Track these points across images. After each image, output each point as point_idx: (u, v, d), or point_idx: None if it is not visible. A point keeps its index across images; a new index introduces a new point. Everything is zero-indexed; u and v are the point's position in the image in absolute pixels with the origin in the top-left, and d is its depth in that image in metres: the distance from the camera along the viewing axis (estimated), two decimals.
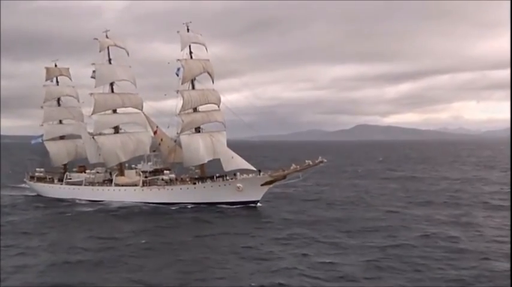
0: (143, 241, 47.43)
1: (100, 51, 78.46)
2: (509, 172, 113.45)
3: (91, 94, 77.44)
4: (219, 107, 76.63)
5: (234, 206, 68.11)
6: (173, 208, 68.53)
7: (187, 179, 73.08)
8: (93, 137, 78.19)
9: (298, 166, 69.28)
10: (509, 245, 42.60)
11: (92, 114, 77.16)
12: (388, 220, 56.51)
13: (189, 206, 69.30)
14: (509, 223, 51.44)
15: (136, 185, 74.51)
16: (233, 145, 76.68)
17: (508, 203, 66.66)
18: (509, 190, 74.76)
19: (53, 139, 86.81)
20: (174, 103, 73.32)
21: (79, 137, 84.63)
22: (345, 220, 57.16)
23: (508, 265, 36.72)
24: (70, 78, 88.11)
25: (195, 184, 71.40)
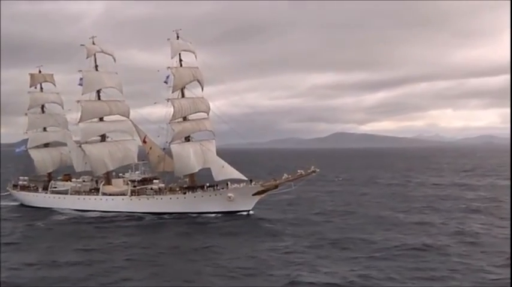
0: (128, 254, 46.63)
1: (87, 58, 77.04)
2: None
3: (78, 101, 75.88)
4: (208, 115, 75.74)
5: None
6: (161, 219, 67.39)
7: (177, 189, 72.06)
8: (80, 146, 76.53)
9: (290, 176, 68.72)
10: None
11: (79, 122, 75.56)
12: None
13: (178, 216, 68.06)
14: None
15: (124, 195, 73.23)
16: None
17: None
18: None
19: (37, 147, 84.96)
20: (157, 110, 72.37)
21: (64, 144, 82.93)
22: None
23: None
24: (54, 85, 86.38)
25: (185, 193, 70.37)
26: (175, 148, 72.18)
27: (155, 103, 73.22)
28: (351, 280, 35.97)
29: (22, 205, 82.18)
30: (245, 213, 68.69)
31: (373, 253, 44.12)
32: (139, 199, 71.89)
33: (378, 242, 48.36)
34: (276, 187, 69.33)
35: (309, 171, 68.41)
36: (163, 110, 72.88)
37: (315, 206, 75.10)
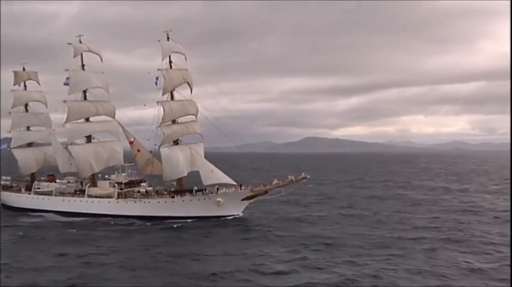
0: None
1: (74, 57, 75.61)
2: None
3: (64, 101, 74.37)
4: (196, 117, 74.92)
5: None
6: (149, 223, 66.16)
7: (165, 192, 71.16)
8: (66, 147, 75.08)
9: (280, 182, 68.35)
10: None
11: (65, 122, 74.09)
12: None
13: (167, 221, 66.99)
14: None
15: (110, 197, 72.00)
16: None
17: None
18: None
19: (20, 147, 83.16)
20: (137, 113, 71.31)
21: (47, 144, 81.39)
22: None
23: None
24: (38, 83, 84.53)
25: (173, 197, 69.49)
26: (164, 151, 71.25)
27: (145, 105, 71.93)
28: None
29: (3, 205, 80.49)
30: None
31: None
32: (126, 202, 70.77)
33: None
34: (266, 192, 68.84)
35: (299, 177, 68.16)
36: (149, 112, 72.20)
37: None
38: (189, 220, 66.61)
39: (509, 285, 33.35)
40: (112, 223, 66.47)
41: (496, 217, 68.42)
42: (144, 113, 75.34)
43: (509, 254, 40.46)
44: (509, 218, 63.82)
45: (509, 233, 48.41)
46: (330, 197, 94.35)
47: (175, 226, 63.90)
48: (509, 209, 68.49)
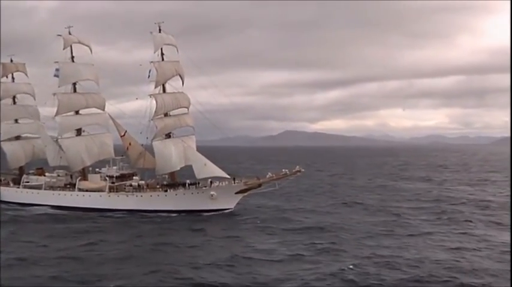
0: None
1: (64, 49, 74.43)
2: None
3: (54, 94, 73.08)
4: (188, 110, 74.27)
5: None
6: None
7: (157, 186, 70.51)
8: (56, 140, 74.00)
9: (274, 175, 68.02)
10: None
11: (55, 115, 72.93)
12: None
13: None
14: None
15: (102, 191, 71.14)
16: None
17: None
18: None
19: (9, 140, 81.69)
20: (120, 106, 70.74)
21: (36, 137, 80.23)
22: None
23: None
24: (26, 75, 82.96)
25: (166, 191, 68.85)
26: (157, 145, 70.43)
27: (136, 99, 71.04)
28: None
29: None
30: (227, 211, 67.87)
31: None
32: (118, 196, 69.99)
33: None
34: (260, 185, 68.42)
35: (293, 171, 67.92)
36: (140, 105, 71.42)
37: None
38: (183, 214, 66.27)
39: (509, 285, 33.37)
40: (102, 216, 65.77)
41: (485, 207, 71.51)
42: (123, 106, 74.55)
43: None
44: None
45: (509, 234, 48.37)
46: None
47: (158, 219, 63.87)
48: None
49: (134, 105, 75.21)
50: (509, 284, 33.56)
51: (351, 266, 38.97)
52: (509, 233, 48.06)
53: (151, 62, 70.25)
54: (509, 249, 43.52)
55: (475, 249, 45.69)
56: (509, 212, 61.32)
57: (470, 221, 59.81)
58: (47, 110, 76.44)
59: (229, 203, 68.34)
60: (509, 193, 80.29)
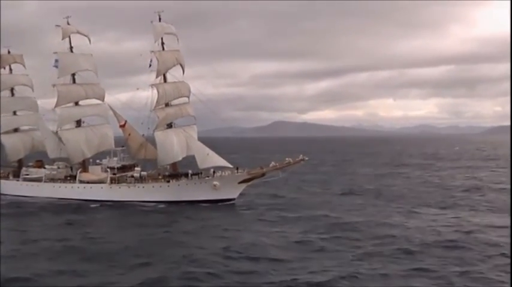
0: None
1: (62, 39, 73.56)
2: None
3: (54, 85, 72.24)
4: (189, 99, 73.65)
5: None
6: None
7: (158, 176, 69.90)
8: (56, 132, 73.21)
9: (277, 164, 67.45)
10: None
11: (55, 107, 72.15)
12: None
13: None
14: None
15: (103, 182, 70.49)
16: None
17: None
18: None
19: (7, 132, 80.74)
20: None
21: (35, 129, 79.45)
22: None
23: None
24: (24, 66, 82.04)
25: (168, 181, 68.25)
26: (159, 135, 69.71)
27: (138, 89, 70.21)
28: None
29: None
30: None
31: None
32: (120, 187, 69.37)
33: None
34: (263, 175, 67.84)
35: (297, 159, 67.44)
36: (140, 96, 70.78)
37: None
38: (183, 204, 65.73)
39: (509, 285, 33.10)
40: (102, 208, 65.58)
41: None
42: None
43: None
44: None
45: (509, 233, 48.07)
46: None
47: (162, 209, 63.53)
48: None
49: (127, 97, 74.74)
50: (509, 285, 33.21)
51: None
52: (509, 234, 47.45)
53: (152, 51, 69.55)
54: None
55: None
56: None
57: None
58: (44, 101, 75.57)
59: (233, 193, 67.61)
60: None
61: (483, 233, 46.63)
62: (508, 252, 39.18)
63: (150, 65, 69.47)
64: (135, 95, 70.60)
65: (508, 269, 34.87)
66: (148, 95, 69.70)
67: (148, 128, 70.19)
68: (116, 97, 76.97)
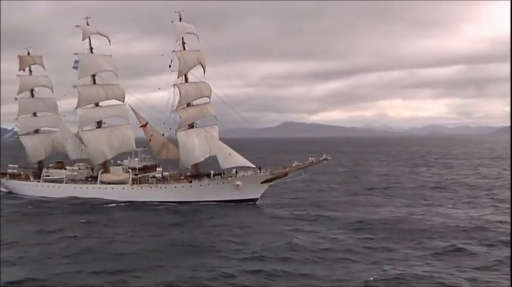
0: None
1: (83, 40, 73.51)
2: None
3: (74, 86, 72.15)
4: (210, 99, 73.33)
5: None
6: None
7: (180, 177, 69.55)
8: (78, 133, 73.09)
9: (300, 163, 66.98)
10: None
11: (76, 107, 72.05)
12: None
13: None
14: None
15: (124, 183, 70.23)
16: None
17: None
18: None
19: (28, 134, 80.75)
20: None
21: (55, 130, 79.47)
22: None
23: None
24: (44, 67, 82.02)
25: (190, 182, 67.90)
26: (181, 136, 69.35)
27: (159, 89, 69.97)
28: None
29: (10, 193, 78.51)
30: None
31: None
32: (142, 188, 69.11)
33: None
34: (286, 174, 67.41)
35: (320, 159, 66.93)
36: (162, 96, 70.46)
37: None
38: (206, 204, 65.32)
39: (509, 285, 32.60)
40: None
41: None
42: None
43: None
44: None
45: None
46: None
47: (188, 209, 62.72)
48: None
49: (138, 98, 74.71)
50: (509, 285, 32.73)
51: None
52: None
53: (174, 51, 69.20)
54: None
55: None
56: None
57: None
58: (64, 103, 75.59)
59: (255, 193, 67.22)
60: None
61: None
62: None
63: (170, 65, 69.13)
64: (146, 96, 70.52)
65: None
66: (163, 95, 69.62)
67: (170, 128, 69.97)
68: (137, 97, 75.66)
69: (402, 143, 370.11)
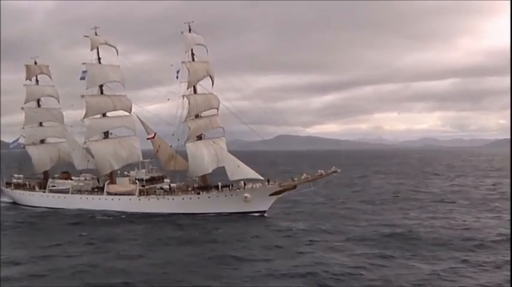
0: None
1: (91, 50, 73.24)
2: None
3: (82, 96, 71.91)
4: (218, 111, 73.12)
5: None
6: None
7: (188, 188, 69.15)
8: (85, 143, 72.69)
9: (309, 176, 66.67)
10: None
11: (84, 118, 71.69)
12: None
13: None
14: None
15: (131, 194, 69.76)
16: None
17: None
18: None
19: (34, 144, 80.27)
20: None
21: (61, 140, 79.05)
22: None
23: None
24: (50, 77, 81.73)
25: (198, 193, 67.51)
26: (190, 147, 69.14)
27: (168, 99, 69.81)
28: None
29: (15, 203, 77.93)
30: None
31: None
32: (149, 199, 68.65)
33: None
34: (295, 187, 67.08)
35: (329, 171, 66.65)
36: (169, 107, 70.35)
37: None
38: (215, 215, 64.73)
39: (509, 285, 32.58)
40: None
41: None
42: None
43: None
44: None
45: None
46: None
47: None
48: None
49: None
50: (509, 285, 32.71)
51: None
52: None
53: (183, 62, 69.00)
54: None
55: None
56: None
57: None
58: (71, 113, 75.36)
59: (264, 205, 66.75)
60: None
61: None
62: None
63: (177, 77, 68.89)
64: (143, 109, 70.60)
65: None
66: (167, 106, 69.85)
67: (178, 140, 69.69)
68: (144, 109, 75.29)
69: (399, 156, 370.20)
